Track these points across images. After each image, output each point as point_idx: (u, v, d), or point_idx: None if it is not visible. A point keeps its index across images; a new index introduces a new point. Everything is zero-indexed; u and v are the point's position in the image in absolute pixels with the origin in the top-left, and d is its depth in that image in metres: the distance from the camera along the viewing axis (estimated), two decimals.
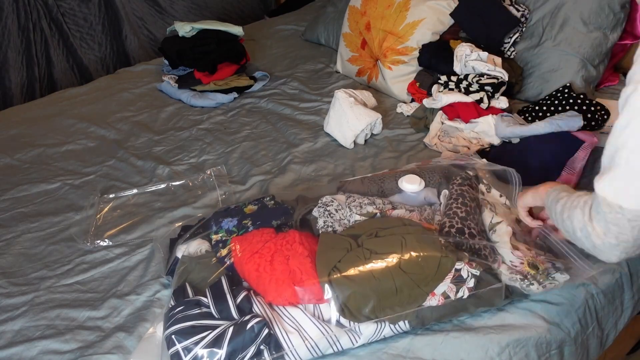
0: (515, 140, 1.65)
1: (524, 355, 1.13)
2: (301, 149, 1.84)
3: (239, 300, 1.11)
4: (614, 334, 1.33)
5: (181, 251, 1.27)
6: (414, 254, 1.11)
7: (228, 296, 1.11)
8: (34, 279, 1.38)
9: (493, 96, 1.77)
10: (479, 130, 1.72)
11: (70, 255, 1.45)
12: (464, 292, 1.11)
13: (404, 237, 1.13)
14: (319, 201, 1.31)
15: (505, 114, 1.72)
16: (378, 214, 1.27)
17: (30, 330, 1.24)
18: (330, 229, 1.24)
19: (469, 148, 1.70)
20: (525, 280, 1.14)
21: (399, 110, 2.01)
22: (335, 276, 1.09)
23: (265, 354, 1.04)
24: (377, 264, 1.10)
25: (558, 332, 1.17)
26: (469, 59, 1.83)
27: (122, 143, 1.93)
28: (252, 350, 1.03)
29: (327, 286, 1.09)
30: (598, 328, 1.27)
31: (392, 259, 1.10)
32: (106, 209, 1.60)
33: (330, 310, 1.09)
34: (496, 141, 1.69)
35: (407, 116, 1.96)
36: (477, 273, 1.12)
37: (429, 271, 1.10)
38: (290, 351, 1.06)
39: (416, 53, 2.03)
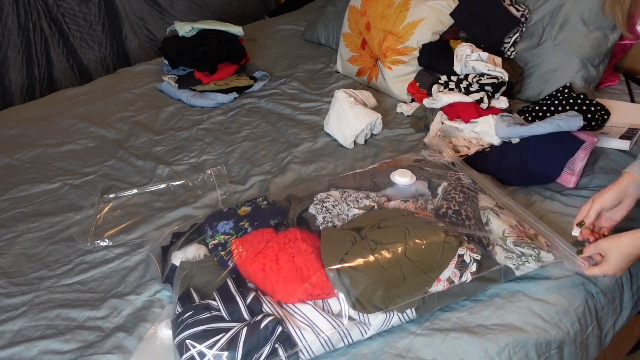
0: (515, 140, 1.65)
1: (524, 355, 1.13)
2: (301, 149, 1.84)
3: (248, 300, 1.10)
4: (612, 334, 1.33)
5: (178, 258, 1.25)
6: (418, 241, 1.13)
7: (237, 298, 1.11)
8: (34, 279, 1.38)
9: (493, 96, 1.77)
10: (479, 130, 1.72)
11: (70, 255, 1.45)
12: (467, 277, 1.15)
13: (407, 227, 1.16)
14: (315, 198, 1.32)
15: (505, 114, 1.72)
16: (375, 206, 1.29)
17: (30, 330, 1.24)
18: (330, 224, 1.25)
19: (469, 148, 1.70)
20: (522, 257, 1.18)
21: (399, 110, 2.01)
22: (344, 269, 1.11)
23: (280, 352, 1.04)
24: (384, 254, 1.12)
25: (557, 331, 1.17)
26: (469, 59, 1.83)
27: (122, 143, 1.93)
28: (267, 349, 1.02)
29: (337, 279, 1.10)
30: (597, 328, 1.27)
31: (398, 248, 1.13)
32: (106, 209, 1.60)
33: (341, 304, 1.10)
34: (496, 141, 1.69)
35: (407, 116, 1.96)
36: (479, 258, 1.17)
37: (433, 257, 1.14)
38: (304, 347, 1.06)
39: (416, 53, 2.03)
